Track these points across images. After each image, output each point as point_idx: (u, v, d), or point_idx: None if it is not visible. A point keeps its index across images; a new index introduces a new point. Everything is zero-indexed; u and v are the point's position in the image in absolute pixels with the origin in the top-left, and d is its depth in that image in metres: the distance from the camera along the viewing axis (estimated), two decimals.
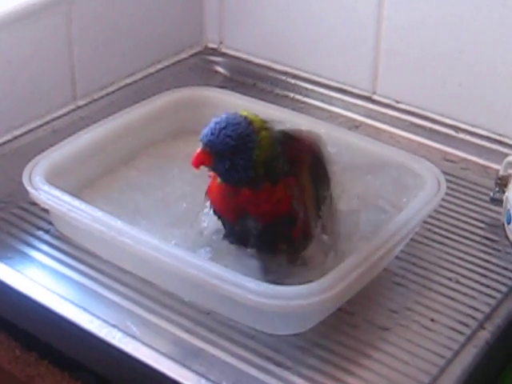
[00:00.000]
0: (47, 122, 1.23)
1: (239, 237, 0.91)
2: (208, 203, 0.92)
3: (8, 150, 1.17)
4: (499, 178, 1.04)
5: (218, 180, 0.89)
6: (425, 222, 1.01)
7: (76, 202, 0.95)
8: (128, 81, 1.34)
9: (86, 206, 0.94)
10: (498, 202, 1.04)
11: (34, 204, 1.00)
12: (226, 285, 0.84)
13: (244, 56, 1.41)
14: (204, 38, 1.46)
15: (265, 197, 0.87)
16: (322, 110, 1.29)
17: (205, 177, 0.91)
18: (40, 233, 1.01)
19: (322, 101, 1.30)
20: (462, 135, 1.20)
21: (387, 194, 1.06)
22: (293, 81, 1.35)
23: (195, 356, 0.84)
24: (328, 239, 0.92)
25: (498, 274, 0.96)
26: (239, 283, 0.84)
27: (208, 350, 0.84)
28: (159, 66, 1.39)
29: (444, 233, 1.02)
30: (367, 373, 0.82)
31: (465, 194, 1.10)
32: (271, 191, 0.87)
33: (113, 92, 1.31)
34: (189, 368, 0.82)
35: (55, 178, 1.00)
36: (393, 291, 0.93)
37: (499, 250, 1.00)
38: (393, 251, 0.94)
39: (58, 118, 1.24)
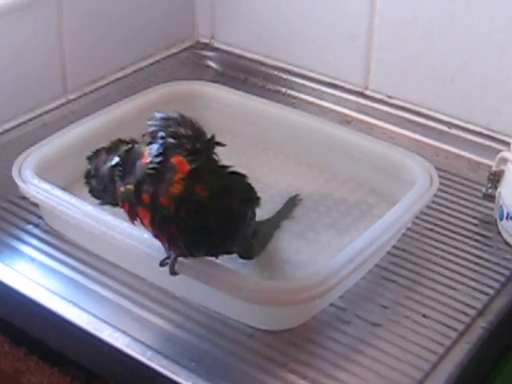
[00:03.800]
0: (37, 116, 1.22)
1: None
2: None
3: None
4: (492, 174, 1.04)
5: None
6: (417, 218, 1.00)
7: (66, 196, 0.94)
8: (119, 75, 1.33)
9: (76, 200, 0.94)
10: (490, 197, 1.04)
11: (24, 198, 1.00)
12: (218, 280, 0.83)
13: (236, 51, 1.40)
14: (196, 32, 1.45)
15: None
16: (314, 104, 1.29)
17: None
18: (30, 227, 1.00)
19: (314, 96, 1.30)
20: (454, 131, 1.20)
21: (379, 189, 1.06)
22: (284, 76, 1.34)
23: (186, 351, 0.83)
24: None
25: (490, 269, 0.95)
26: (231, 278, 0.83)
27: (198, 345, 0.84)
28: (150, 61, 1.39)
29: (436, 228, 1.02)
30: (359, 368, 0.82)
31: (457, 189, 1.10)
32: None
33: (104, 86, 1.31)
34: (179, 363, 0.81)
35: (45, 172, 0.99)
36: (384, 287, 0.93)
37: (492, 246, 0.99)
38: (384, 246, 0.94)
39: (49, 111, 1.23)
